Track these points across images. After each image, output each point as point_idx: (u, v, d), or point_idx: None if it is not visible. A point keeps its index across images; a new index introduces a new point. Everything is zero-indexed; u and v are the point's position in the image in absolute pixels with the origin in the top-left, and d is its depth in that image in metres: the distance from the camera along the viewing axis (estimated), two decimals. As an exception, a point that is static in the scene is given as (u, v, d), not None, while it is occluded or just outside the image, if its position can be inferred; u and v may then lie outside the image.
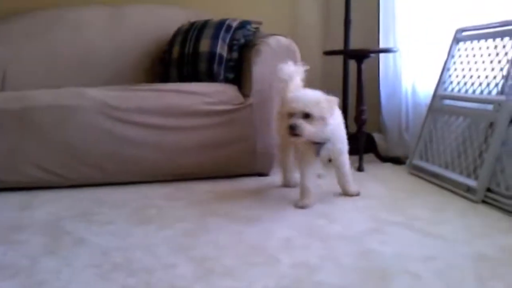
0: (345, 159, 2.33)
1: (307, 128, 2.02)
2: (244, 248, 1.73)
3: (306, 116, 2.02)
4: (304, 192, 2.20)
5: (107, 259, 1.67)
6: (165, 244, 1.79)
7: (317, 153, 2.17)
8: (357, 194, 2.34)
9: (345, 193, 2.35)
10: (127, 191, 2.50)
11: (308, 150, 2.18)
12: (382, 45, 3.26)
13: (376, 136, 3.27)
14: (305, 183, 2.21)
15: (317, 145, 2.16)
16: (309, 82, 3.48)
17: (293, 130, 2.02)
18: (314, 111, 2.02)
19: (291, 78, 2.25)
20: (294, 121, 2.01)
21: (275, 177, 2.69)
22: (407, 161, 2.84)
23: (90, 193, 2.48)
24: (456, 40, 2.74)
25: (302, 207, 2.16)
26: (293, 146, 2.36)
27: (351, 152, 2.94)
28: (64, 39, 3.11)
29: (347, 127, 3.12)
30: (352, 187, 2.35)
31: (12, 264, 1.65)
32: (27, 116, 2.45)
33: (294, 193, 2.32)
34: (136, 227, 1.98)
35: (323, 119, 2.05)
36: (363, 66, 2.91)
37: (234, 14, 3.13)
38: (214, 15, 3.05)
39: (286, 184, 2.51)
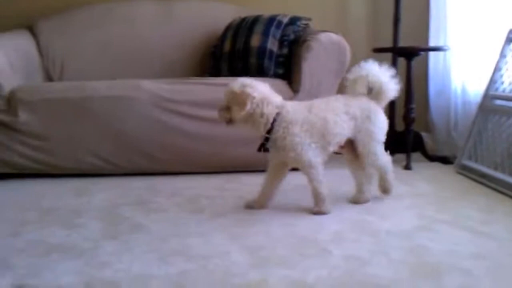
0: (306, 171, 2.11)
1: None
2: (296, 240, 1.78)
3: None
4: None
5: (164, 245, 1.74)
6: (218, 233, 1.85)
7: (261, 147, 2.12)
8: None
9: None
10: (178, 181, 2.58)
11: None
12: (432, 43, 3.25)
13: (424, 135, 3.26)
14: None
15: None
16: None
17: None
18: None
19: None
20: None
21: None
22: (455, 161, 2.83)
23: (143, 181, 2.57)
24: (509, 40, 2.71)
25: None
26: None
27: (399, 150, 2.97)
28: (118, 32, 3.22)
29: (394, 125, 3.15)
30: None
31: (76, 245, 1.75)
32: (85, 105, 2.56)
33: (341, 187, 2.36)
34: (190, 215, 2.06)
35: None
36: (413, 63, 2.91)
37: (284, 10, 3.17)
38: (264, 11, 3.09)
39: None
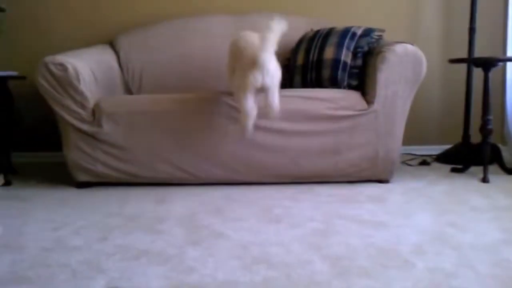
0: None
1: None
2: (376, 251, 1.78)
3: None
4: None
5: (246, 253, 1.78)
6: (297, 242, 1.88)
7: None
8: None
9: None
10: (253, 191, 2.63)
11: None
12: (510, 53, 3.16)
13: (501, 147, 3.17)
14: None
15: None
16: (429, 90, 3.49)
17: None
18: None
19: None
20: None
21: (396, 185, 2.72)
22: (536, 174, 2.75)
23: (219, 191, 2.64)
24: None
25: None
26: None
27: (475, 162, 2.91)
28: (194, 46, 3.33)
29: (470, 137, 3.09)
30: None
31: (162, 251, 1.82)
32: (164, 117, 2.65)
33: (418, 199, 2.33)
34: (268, 224, 2.09)
35: None
36: (490, 74, 2.85)
37: (355, 21, 3.19)
38: (336, 24, 3.12)
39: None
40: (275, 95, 2.41)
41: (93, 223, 2.15)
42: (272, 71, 2.37)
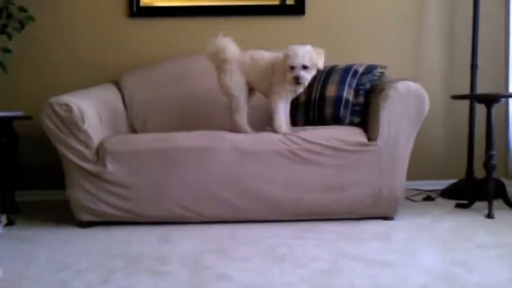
0: None
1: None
2: (382, 292, 1.76)
3: (305, 67, 2.64)
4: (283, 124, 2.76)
5: (250, 295, 1.77)
6: (302, 283, 1.86)
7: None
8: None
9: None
10: (257, 229, 2.62)
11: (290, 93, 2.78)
12: (511, 89, 3.18)
13: (505, 182, 3.16)
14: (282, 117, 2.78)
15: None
16: (433, 126, 3.50)
17: (296, 80, 2.64)
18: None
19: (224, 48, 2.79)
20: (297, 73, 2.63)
21: (401, 221, 2.70)
22: (541, 209, 2.73)
23: (224, 229, 2.63)
24: None
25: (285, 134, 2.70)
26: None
27: (480, 198, 2.89)
28: (198, 84, 3.35)
29: (473, 172, 3.09)
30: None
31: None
32: (169, 156, 2.66)
33: (425, 238, 2.31)
34: (272, 264, 2.08)
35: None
36: (493, 110, 2.86)
37: (358, 59, 3.22)
38: (339, 61, 3.15)
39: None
40: None
41: (96, 265, 2.14)
42: None
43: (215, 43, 2.83)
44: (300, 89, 2.79)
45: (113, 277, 1.98)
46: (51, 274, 2.03)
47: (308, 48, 2.67)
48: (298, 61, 2.62)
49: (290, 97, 2.82)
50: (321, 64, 2.67)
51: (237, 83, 2.82)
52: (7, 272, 2.03)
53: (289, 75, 2.65)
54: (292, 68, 2.64)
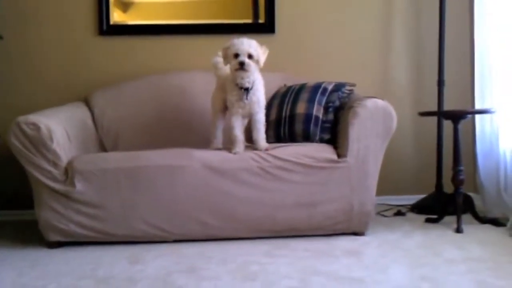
0: (263, 116, 2.80)
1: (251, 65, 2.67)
2: (351, 309, 1.77)
3: (250, 56, 2.67)
4: (235, 141, 2.75)
5: (220, 314, 1.75)
6: (272, 302, 1.86)
7: (246, 97, 2.73)
8: (266, 149, 2.73)
9: (256, 148, 2.77)
10: (229, 247, 2.60)
11: (237, 101, 2.76)
12: (477, 105, 3.26)
13: (473, 196, 3.21)
14: (235, 132, 2.75)
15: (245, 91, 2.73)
16: (402, 142, 3.55)
17: (241, 66, 2.65)
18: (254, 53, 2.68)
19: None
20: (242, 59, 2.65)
21: (372, 237, 2.72)
22: (508, 223, 2.77)
23: (195, 248, 2.61)
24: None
25: (235, 154, 2.70)
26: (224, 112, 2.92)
27: (449, 212, 2.94)
28: (170, 103, 3.35)
29: (442, 186, 3.14)
30: (263, 143, 2.78)
31: (134, 315, 1.78)
32: (139, 174, 2.64)
33: (395, 254, 2.33)
34: (243, 283, 2.07)
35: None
36: (460, 126, 2.92)
37: (327, 76, 3.26)
38: (309, 79, 3.18)
39: (216, 147, 2.88)
40: None
41: (64, 287, 2.10)
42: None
43: (212, 60, 2.97)
44: (246, 83, 2.73)
45: (80, 299, 1.95)
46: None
47: (253, 41, 2.72)
48: (243, 47, 2.66)
49: (241, 111, 2.78)
50: (262, 61, 2.74)
51: (214, 100, 2.97)
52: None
53: (234, 62, 2.67)
54: (237, 55, 2.67)
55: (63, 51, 3.59)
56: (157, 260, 2.43)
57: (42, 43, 3.57)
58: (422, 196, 3.46)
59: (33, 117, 2.64)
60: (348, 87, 2.99)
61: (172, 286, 2.06)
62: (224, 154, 2.72)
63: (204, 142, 3.09)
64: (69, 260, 2.49)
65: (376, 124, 2.68)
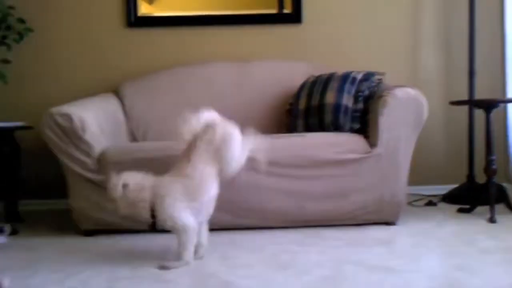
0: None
1: None
2: (386, 297, 1.77)
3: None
4: None
5: (255, 301, 1.77)
6: (306, 290, 1.86)
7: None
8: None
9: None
10: (259, 236, 2.62)
11: None
12: (510, 94, 3.20)
13: (507, 186, 3.17)
14: None
15: None
16: (432, 132, 3.51)
17: None
18: None
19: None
20: None
21: (403, 227, 2.71)
22: (542, 213, 2.73)
23: (225, 236, 2.63)
24: None
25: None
26: None
27: (481, 202, 2.90)
28: (197, 93, 3.37)
29: (474, 177, 3.09)
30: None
31: (170, 301, 1.80)
32: (170, 164, 2.66)
33: (428, 243, 2.32)
34: (275, 271, 2.08)
35: None
36: (492, 115, 2.87)
37: (355, 66, 3.24)
38: (336, 69, 3.17)
39: None
40: None
41: (100, 273, 2.14)
42: None
43: None
44: None
45: (117, 285, 1.99)
46: (56, 283, 2.03)
47: None
48: None
49: None
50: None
51: None
52: (13, 281, 2.03)
53: None
54: None
55: (92, 43, 3.63)
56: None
57: (71, 35, 3.63)
58: (453, 186, 3.43)
59: (66, 108, 2.69)
60: (377, 76, 2.97)
61: (205, 274, 2.08)
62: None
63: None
64: (104, 248, 2.53)
65: (407, 113, 2.65)
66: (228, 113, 3.30)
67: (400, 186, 2.71)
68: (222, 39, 3.63)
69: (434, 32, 3.63)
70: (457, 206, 3.12)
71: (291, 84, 3.31)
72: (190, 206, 2.22)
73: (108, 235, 2.75)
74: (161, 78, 3.46)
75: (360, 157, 2.67)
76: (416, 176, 3.17)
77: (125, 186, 2.19)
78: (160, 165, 2.66)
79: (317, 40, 3.61)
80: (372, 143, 2.70)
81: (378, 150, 2.67)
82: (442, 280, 1.92)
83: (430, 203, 3.26)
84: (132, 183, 2.21)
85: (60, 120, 2.64)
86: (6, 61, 3.35)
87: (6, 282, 1.96)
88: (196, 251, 2.26)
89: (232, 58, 3.55)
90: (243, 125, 3.27)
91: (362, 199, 2.70)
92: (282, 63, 3.46)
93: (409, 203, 3.26)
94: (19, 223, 3.10)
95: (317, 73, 3.22)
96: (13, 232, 2.86)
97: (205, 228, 2.35)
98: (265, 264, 2.17)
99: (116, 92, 3.44)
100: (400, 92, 2.67)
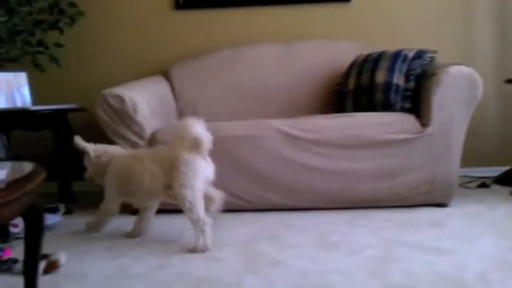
0: None
1: None
2: (439, 279, 1.74)
3: None
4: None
5: (305, 281, 1.77)
6: (357, 270, 1.85)
7: None
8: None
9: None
10: (308, 217, 2.62)
11: None
12: None
13: None
14: None
15: None
16: (486, 111, 3.41)
17: None
18: None
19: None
20: None
21: (456, 208, 2.65)
22: None
23: (274, 217, 2.64)
24: None
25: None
26: None
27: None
28: (244, 74, 3.38)
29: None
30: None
31: (221, 279, 1.83)
32: (219, 144, 2.67)
33: (481, 225, 2.27)
34: (326, 251, 2.08)
35: None
36: (551, 93, 2.77)
37: (405, 44, 3.16)
38: (386, 47, 3.10)
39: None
40: None
41: (153, 251, 2.19)
42: None
43: None
44: None
45: (170, 262, 2.03)
46: (110, 260, 2.10)
47: None
48: None
49: None
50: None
51: None
52: (68, 258, 2.10)
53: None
54: None
55: (141, 26, 3.67)
56: (239, 227, 2.49)
57: (121, 19, 3.67)
58: (507, 167, 3.32)
59: (118, 90, 2.74)
60: (430, 54, 2.88)
61: (256, 252, 2.10)
62: (302, 125, 2.71)
63: (278, 113, 3.12)
64: (154, 226, 2.57)
65: (461, 92, 2.58)
66: (275, 95, 3.32)
67: (453, 167, 2.64)
68: (269, 19, 3.60)
69: (487, 7, 3.49)
70: (510, 189, 3.03)
71: (339, 63, 3.26)
72: None
73: (158, 214, 2.80)
74: (209, 60, 3.47)
75: (412, 137, 2.62)
76: (468, 157, 3.10)
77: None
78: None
79: (366, 19, 3.54)
80: (424, 123, 2.64)
81: (431, 130, 2.61)
82: (495, 261, 1.88)
83: (482, 185, 3.18)
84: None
85: (112, 101, 2.70)
86: (59, 45, 3.44)
87: (62, 259, 2.04)
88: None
89: (279, 39, 3.52)
90: (290, 107, 3.29)
91: (413, 180, 2.65)
92: (329, 43, 3.41)
93: (461, 185, 3.18)
94: (73, 203, 3.20)
95: (366, 52, 3.16)
96: (67, 212, 2.96)
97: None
98: (315, 244, 2.17)
99: (165, 74, 3.49)
100: (454, 70, 2.59)
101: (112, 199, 2.43)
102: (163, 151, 2.35)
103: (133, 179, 2.32)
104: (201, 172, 2.24)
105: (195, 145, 2.24)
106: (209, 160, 2.31)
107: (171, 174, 2.23)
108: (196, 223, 2.18)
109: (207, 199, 2.30)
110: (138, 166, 2.31)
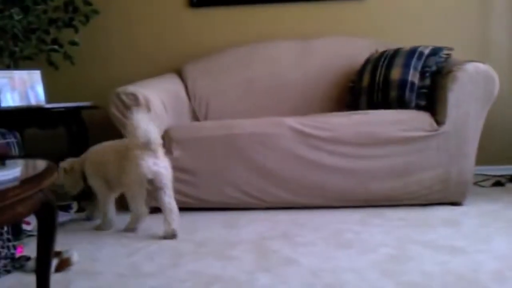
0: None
1: None
2: (454, 278, 1.72)
3: None
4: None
5: (318, 279, 1.76)
6: (370, 268, 1.84)
7: None
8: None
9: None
10: (321, 215, 2.60)
11: None
12: None
13: None
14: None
15: None
16: (502, 108, 3.36)
17: None
18: None
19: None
20: None
21: (470, 207, 2.62)
22: None
23: (286, 215, 2.63)
24: None
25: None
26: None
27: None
28: (259, 72, 3.36)
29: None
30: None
31: (233, 277, 1.82)
32: (232, 142, 2.69)
33: (496, 224, 2.23)
34: (338, 249, 2.06)
35: None
36: None
37: (421, 41, 3.14)
38: (401, 44, 3.07)
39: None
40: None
41: (165, 249, 2.19)
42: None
43: None
44: None
45: (182, 260, 2.03)
46: (122, 258, 2.10)
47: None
48: None
49: None
50: None
51: None
52: (81, 256, 2.12)
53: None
54: None
55: (155, 24, 3.67)
56: (251, 225, 2.48)
57: (135, 17, 3.68)
58: (523, 166, 3.28)
59: (132, 88, 2.74)
60: (446, 51, 2.85)
61: (268, 250, 2.09)
62: (315, 123, 2.69)
63: (292, 110, 3.11)
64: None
65: (477, 89, 2.54)
66: (289, 92, 3.31)
67: (468, 165, 2.61)
68: (284, 17, 3.59)
69: (505, 3, 3.44)
70: (528, 187, 2.99)
71: (354, 60, 3.24)
72: None
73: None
74: (223, 58, 3.47)
75: (427, 135, 2.60)
76: (483, 155, 3.06)
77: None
78: (222, 143, 2.70)
79: (381, 16, 3.51)
80: (440, 121, 2.61)
81: (446, 127, 2.58)
82: (511, 261, 1.85)
83: (497, 184, 3.14)
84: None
85: (126, 99, 2.70)
86: (73, 43, 3.46)
87: (74, 256, 2.04)
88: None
89: (295, 36, 3.51)
90: (305, 104, 3.27)
91: (428, 178, 2.63)
92: (345, 40, 3.39)
93: (476, 183, 3.14)
94: (85, 201, 3.21)
95: (382, 49, 3.13)
96: (80, 209, 2.97)
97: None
98: (328, 243, 2.16)
99: (179, 72, 3.49)
100: (470, 67, 2.56)
101: (102, 194, 2.62)
102: (122, 144, 2.51)
103: (108, 169, 2.53)
104: (146, 169, 2.33)
105: (143, 143, 2.33)
106: (161, 155, 2.40)
107: (123, 166, 2.42)
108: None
109: (154, 197, 2.47)
110: (111, 157, 2.52)
